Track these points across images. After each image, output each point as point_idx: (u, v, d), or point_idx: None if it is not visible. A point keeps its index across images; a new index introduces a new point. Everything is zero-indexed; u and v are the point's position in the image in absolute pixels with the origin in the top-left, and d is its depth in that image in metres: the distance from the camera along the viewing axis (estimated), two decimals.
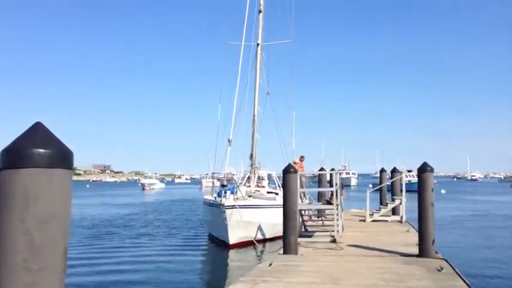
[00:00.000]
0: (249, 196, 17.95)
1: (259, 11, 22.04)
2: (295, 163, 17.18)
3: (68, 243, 2.17)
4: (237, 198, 16.55)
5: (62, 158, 2.06)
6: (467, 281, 6.73)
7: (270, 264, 7.99)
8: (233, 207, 15.91)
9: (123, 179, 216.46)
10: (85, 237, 20.37)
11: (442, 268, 7.42)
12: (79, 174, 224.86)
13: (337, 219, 11.27)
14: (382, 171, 20.44)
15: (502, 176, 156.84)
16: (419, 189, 9.22)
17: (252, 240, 15.80)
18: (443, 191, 52.08)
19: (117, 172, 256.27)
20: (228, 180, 17.32)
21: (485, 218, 26.84)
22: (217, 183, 18.25)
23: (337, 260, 8.58)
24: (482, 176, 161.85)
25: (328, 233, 11.50)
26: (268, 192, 20.25)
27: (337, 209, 11.39)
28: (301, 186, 13.11)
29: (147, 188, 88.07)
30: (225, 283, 11.40)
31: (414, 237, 11.42)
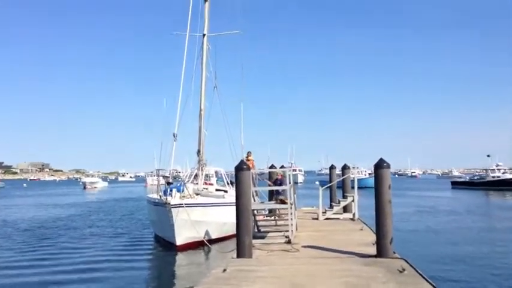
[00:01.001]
0: (197, 194, 17.21)
1: (205, 0, 21.36)
2: (247, 160, 16.66)
3: None
4: (184, 197, 15.77)
5: None
6: (431, 282, 6.43)
7: (224, 270, 7.38)
8: (180, 206, 15.13)
9: (63, 177, 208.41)
10: (20, 242, 18.98)
11: (403, 269, 7.11)
12: (15, 173, 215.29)
13: (291, 219, 10.82)
14: (332, 167, 20.14)
15: (439, 173, 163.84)
16: (376, 185, 8.88)
17: (201, 241, 15.14)
18: None
19: (57, 170, 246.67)
20: (174, 178, 16.44)
21: (433, 214, 27.53)
22: (163, 181, 17.35)
23: (295, 263, 8.10)
24: (421, 173, 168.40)
25: (282, 233, 11.04)
26: (216, 190, 19.60)
27: (291, 208, 10.94)
28: (253, 185, 12.57)
29: (89, 187, 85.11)
30: None
31: (369, 235, 11.24)
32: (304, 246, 9.82)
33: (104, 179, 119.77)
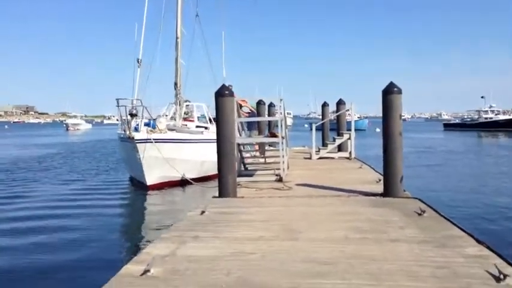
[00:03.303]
0: (171, 130, 15.55)
1: None
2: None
3: None
4: (152, 131, 14.12)
5: None
6: (462, 227, 5.05)
7: (203, 212, 5.94)
8: (147, 141, 13.58)
9: (49, 120, 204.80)
10: None
11: (423, 211, 5.71)
12: None
13: (283, 155, 9.37)
14: (325, 105, 18.41)
15: (428, 116, 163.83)
16: (384, 115, 7.30)
17: (177, 181, 13.84)
18: (378, 130, 52.14)
19: (42, 113, 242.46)
20: (136, 109, 14.12)
21: (431, 154, 26.65)
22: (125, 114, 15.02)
23: (288, 204, 6.68)
24: (409, 117, 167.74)
25: (272, 171, 9.64)
26: (197, 127, 18.02)
27: (283, 143, 9.44)
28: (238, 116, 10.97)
29: (72, 129, 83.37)
30: (142, 239, 9.26)
31: (369, 173, 9.93)
32: (298, 185, 8.42)
33: (89, 121, 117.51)
